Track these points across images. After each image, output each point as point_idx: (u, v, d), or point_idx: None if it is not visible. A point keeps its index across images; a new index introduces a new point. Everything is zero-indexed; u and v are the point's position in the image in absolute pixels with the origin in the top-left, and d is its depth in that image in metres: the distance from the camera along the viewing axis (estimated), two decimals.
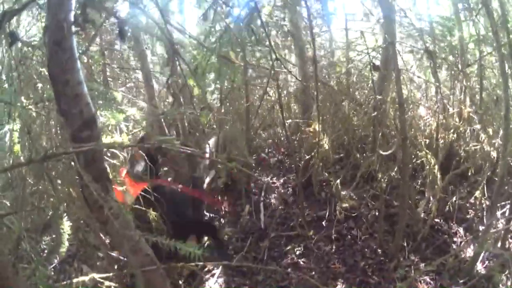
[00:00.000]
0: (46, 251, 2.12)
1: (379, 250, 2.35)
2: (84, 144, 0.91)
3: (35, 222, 2.12)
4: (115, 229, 1.07)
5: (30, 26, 2.34)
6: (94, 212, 1.08)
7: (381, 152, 2.25)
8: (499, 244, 2.18)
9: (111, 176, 1.20)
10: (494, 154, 2.58)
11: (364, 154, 2.51)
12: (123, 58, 2.73)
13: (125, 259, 1.38)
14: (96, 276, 1.06)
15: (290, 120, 2.70)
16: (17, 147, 1.64)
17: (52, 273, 2.22)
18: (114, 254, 1.79)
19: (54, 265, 2.33)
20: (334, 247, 2.36)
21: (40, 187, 1.84)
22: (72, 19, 0.89)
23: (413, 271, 2.12)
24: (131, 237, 1.14)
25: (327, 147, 2.25)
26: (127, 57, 2.83)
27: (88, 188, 0.94)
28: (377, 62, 2.51)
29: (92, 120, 0.92)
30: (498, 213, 2.39)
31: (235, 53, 1.83)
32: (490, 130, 2.65)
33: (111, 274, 1.10)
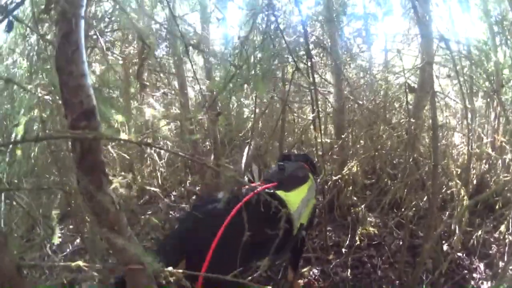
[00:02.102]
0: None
1: (397, 282, 2.24)
2: (82, 132, 0.88)
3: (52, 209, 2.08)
4: (105, 223, 1.01)
5: None
6: (88, 203, 1.03)
7: (409, 179, 2.12)
8: None
9: None
10: None
11: (395, 181, 2.38)
12: (161, 64, 2.56)
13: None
14: (82, 264, 0.99)
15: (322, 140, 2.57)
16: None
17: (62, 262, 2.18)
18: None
19: (65, 254, 2.33)
20: (351, 274, 2.26)
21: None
22: (82, 13, 0.89)
23: None
24: (122, 233, 1.08)
25: (356, 170, 2.13)
26: (167, 63, 2.68)
27: (83, 179, 0.92)
28: (415, 86, 2.38)
29: (91, 111, 0.92)
30: None
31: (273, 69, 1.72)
32: None
33: (97, 265, 1.05)
